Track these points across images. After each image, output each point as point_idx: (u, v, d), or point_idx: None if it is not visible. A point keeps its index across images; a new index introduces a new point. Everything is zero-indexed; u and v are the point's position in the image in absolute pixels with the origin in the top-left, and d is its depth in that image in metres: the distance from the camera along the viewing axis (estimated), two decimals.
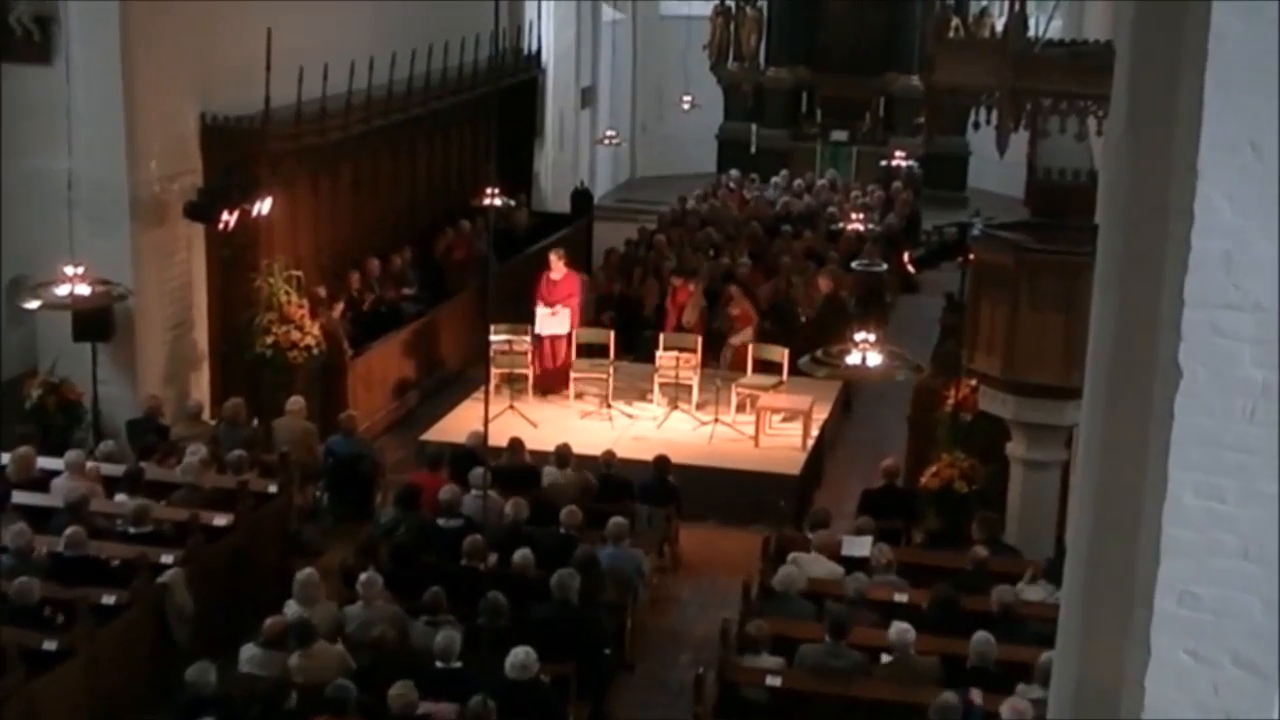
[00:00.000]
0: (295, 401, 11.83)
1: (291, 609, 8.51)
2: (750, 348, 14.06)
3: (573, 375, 13.81)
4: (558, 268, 13.61)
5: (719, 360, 14.10)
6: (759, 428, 12.90)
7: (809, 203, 20.80)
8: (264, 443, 11.51)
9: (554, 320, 13.47)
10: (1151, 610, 3.35)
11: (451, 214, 17.10)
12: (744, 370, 13.98)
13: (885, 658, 8.04)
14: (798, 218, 19.91)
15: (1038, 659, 7.52)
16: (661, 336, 14.13)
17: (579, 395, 13.80)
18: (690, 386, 13.64)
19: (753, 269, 16.37)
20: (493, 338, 13.05)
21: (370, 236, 15.49)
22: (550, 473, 11.05)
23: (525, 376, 13.63)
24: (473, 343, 14.84)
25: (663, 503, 11.04)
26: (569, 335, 13.63)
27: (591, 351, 14.60)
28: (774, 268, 16.83)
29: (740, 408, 13.45)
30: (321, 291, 13.67)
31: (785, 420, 13.14)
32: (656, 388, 13.78)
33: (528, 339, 13.47)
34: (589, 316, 15.34)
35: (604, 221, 20.77)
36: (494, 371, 13.44)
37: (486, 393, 8.28)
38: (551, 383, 13.65)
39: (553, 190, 22.46)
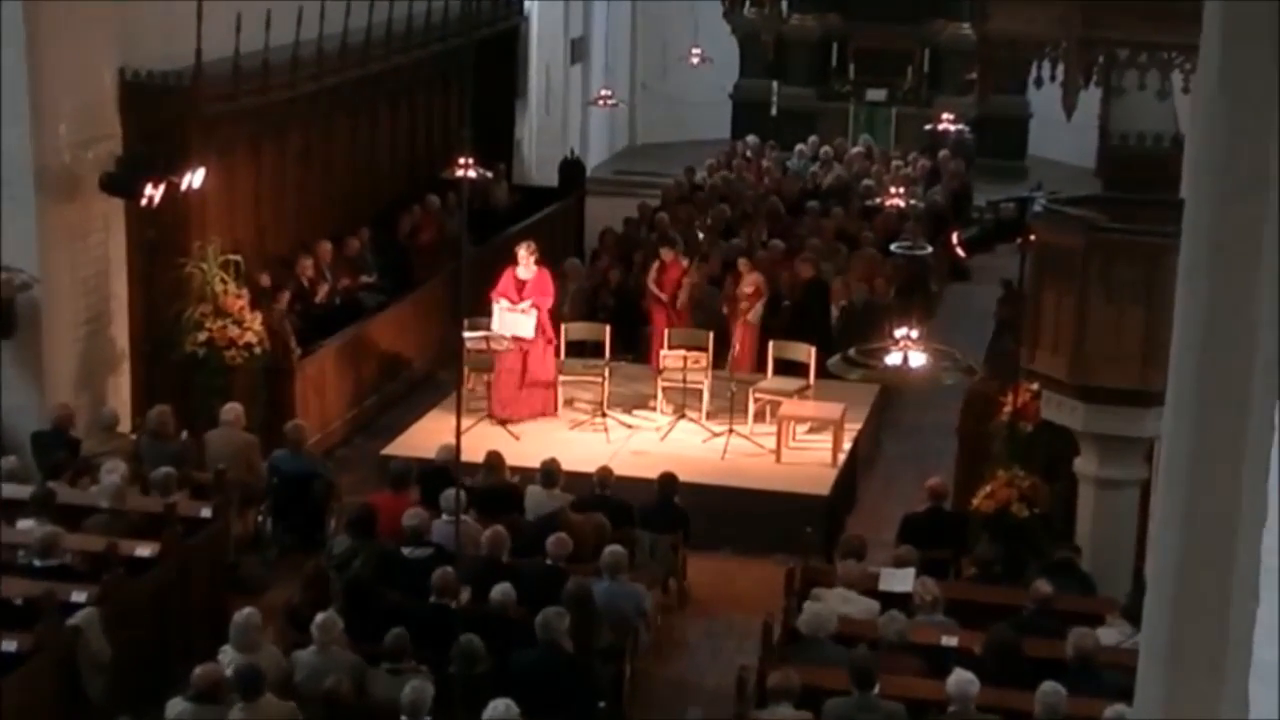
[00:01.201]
0: (232, 409, 11.87)
1: (228, 656, 8.49)
2: (771, 347, 14.13)
3: (561, 379, 13.83)
4: (527, 264, 13.43)
5: (728, 360, 14.15)
6: (781, 440, 12.94)
7: (840, 174, 20.85)
8: (195, 459, 11.52)
9: (517, 319, 13.20)
10: (1249, 657, 3.33)
11: (418, 189, 17.14)
12: (750, 365, 14.08)
13: (950, 708, 8.06)
14: (827, 192, 19.99)
15: (1110, 713, 7.58)
16: (667, 332, 14.16)
17: (569, 402, 13.84)
18: (700, 391, 13.67)
19: (783, 252, 16.47)
20: (467, 335, 12.96)
21: (323, 215, 15.52)
22: (534, 493, 11.09)
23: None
24: (443, 340, 14.86)
25: (668, 529, 11.08)
26: (549, 348, 13.55)
27: (583, 350, 14.57)
28: (798, 251, 16.82)
29: (759, 416, 13.53)
30: (265, 280, 13.69)
31: (812, 431, 13.20)
32: (660, 392, 13.86)
33: (505, 335, 13.45)
34: (579, 312, 15.39)
35: (598, 197, 20.81)
36: (468, 374, 13.47)
37: (459, 399, 8.19)
38: (515, 406, 13.33)
39: (537, 160, 22.51)
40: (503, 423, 13.18)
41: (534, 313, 13.24)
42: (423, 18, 16.58)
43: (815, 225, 17.96)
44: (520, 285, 13.39)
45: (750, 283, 14.75)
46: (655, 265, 14.94)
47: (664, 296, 14.61)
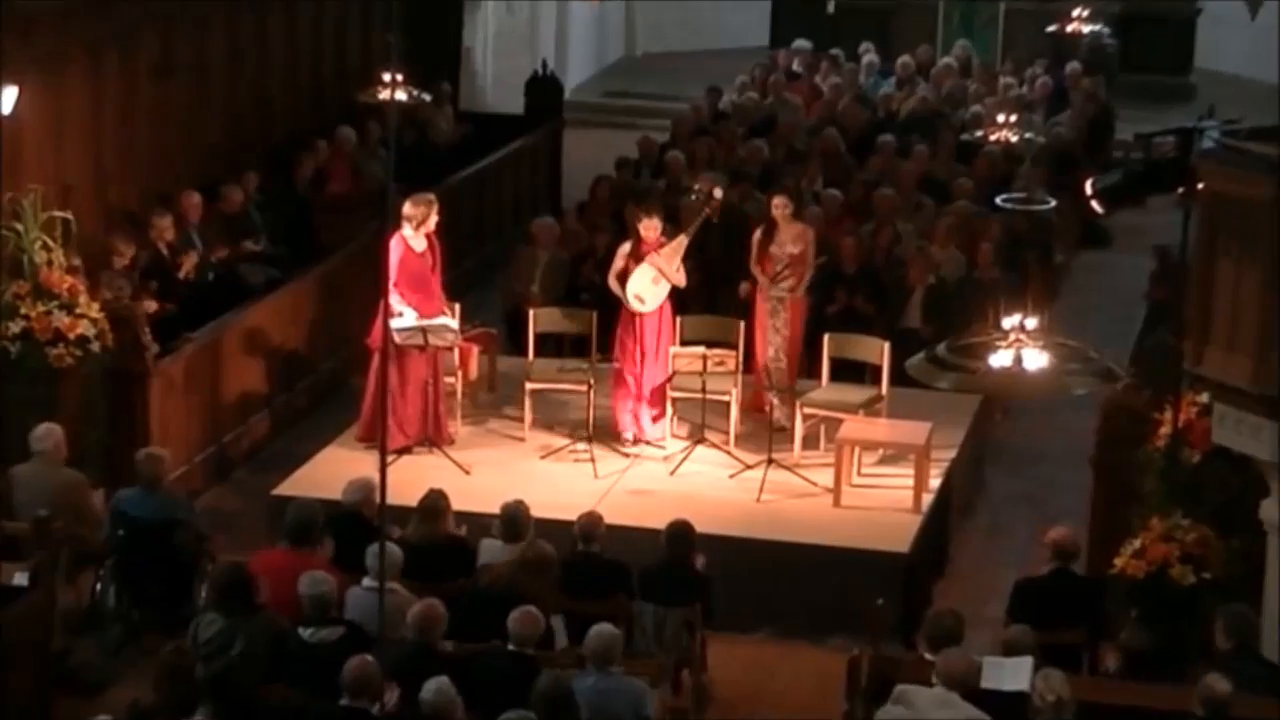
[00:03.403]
0: (48, 434, 11.81)
1: None
2: (826, 342, 14.02)
3: (529, 387, 13.89)
4: (416, 221, 13.39)
5: (762, 365, 13.93)
6: (841, 475, 12.90)
7: (925, 97, 20.92)
8: (2, 503, 11.48)
9: (409, 310, 13.27)
10: None
11: (325, 119, 17.17)
12: (796, 367, 13.91)
13: None
14: (906, 122, 19.97)
15: None
16: (678, 321, 14.04)
17: (540, 421, 13.90)
18: (726, 404, 13.64)
19: (842, 205, 16.49)
20: (396, 325, 13.01)
21: (189, 155, 15.46)
22: (491, 548, 11.13)
23: (453, 388, 13.81)
24: (361, 332, 14.52)
25: (681, 600, 11.02)
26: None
27: (559, 346, 14.50)
28: (864, 206, 16.77)
29: (810, 441, 13.55)
30: (110, 247, 13.65)
31: (885, 462, 13.20)
32: (669, 406, 13.83)
33: (451, 324, 13.44)
34: (554, 293, 15.22)
35: (581, 129, 20.88)
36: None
37: (383, 415, 8.12)
38: (415, 426, 13.41)
39: (494, 78, 22.72)
40: (401, 451, 13.19)
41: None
42: None
43: (889, 169, 17.92)
44: (416, 261, 13.41)
45: (794, 236, 14.03)
46: (626, 247, 13.86)
47: (641, 301, 13.68)
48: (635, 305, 13.57)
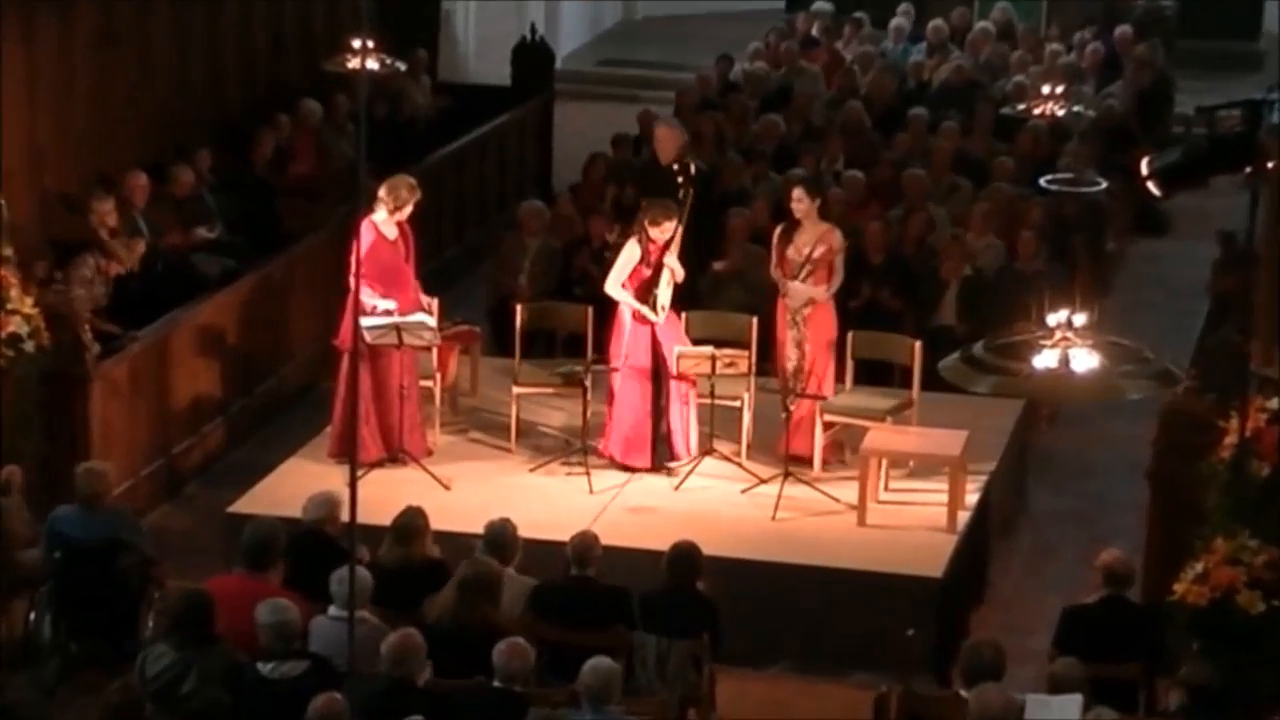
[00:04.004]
0: None
1: None
2: (851, 341, 13.96)
3: (516, 391, 13.93)
4: (393, 207, 13.39)
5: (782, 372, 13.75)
6: (867, 490, 12.94)
7: (961, 65, 20.90)
8: None
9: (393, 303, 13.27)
10: None
11: (288, 91, 17.22)
12: (823, 374, 13.61)
13: None
14: (940, 94, 20.04)
15: None
16: (684, 318, 13.99)
17: (528, 430, 13.94)
18: (739, 411, 13.67)
19: (866, 187, 16.48)
20: (366, 322, 12.93)
21: (134, 132, 15.50)
22: None
23: (431, 393, 13.88)
24: (328, 330, 14.52)
25: (686, 630, 11.03)
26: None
27: (550, 346, 14.66)
28: (892, 188, 16.82)
29: (831, 451, 13.58)
30: (44, 239, 13.85)
31: (916, 475, 13.29)
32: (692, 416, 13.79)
33: (430, 321, 13.43)
34: (543, 284, 15.32)
35: (574, 102, 20.98)
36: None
37: (353, 425, 8.09)
38: (389, 435, 13.43)
39: (476, 45, 22.84)
40: (372, 465, 13.15)
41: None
42: None
43: (920, 146, 17.99)
44: (387, 250, 13.38)
45: (815, 237, 13.71)
46: (635, 252, 13.61)
47: (664, 310, 13.61)
48: (658, 316, 13.50)
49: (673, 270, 13.51)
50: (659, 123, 15.87)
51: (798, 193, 13.85)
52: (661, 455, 13.50)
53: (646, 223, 13.49)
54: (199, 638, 10.08)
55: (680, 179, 13.89)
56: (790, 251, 13.68)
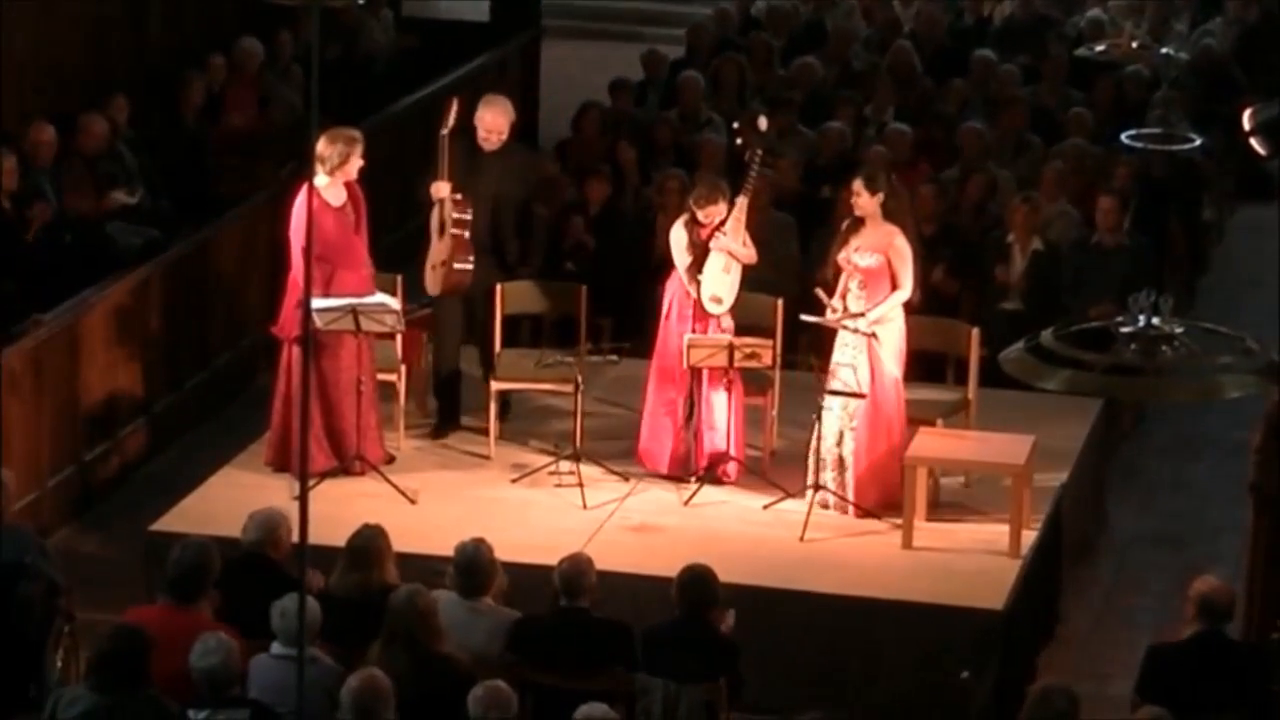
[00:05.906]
0: None
1: None
2: (902, 327, 13.38)
3: (495, 387, 13.90)
4: (334, 165, 13.24)
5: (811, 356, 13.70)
6: (914, 506, 12.77)
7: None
8: None
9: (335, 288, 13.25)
10: None
11: (222, 28, 17.35)
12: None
13: None
14: (1002, 34, 20.14)
15: None
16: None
17: (510, 432, 14.05)
18: (762, 408, 13.74)
19: (914, 144, 16.48)
20: (318, 304, 12.91)
21: (38, 80, 15.64)
22: (449, 607, 11.02)
23: (393, 388, 13.92)
24: (268, 315, 14.43)
25: (700, 672, 10.97)
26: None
27: (536, 333, 14.96)
28: (947, 145, 16.98)
29: None
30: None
31: (972, 487, 13.27)
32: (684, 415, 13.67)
33: (392, 303, 13.39)
34: (535, 258, 15.32)
35: (565, 41, 21.59)
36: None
37: (305, 427, 7.68)
38: (342, 439, 13.46)
39: None
40: (325, 474, 13.28)
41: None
42: None
43: (980, 95, 18.20)
44: (335, 221, 13.28)
45: (873, 242, 13.34)
46: (682, 236, 13.58)
47: (719, 303, 13.52)
48: (713, 308, 13.46)
49: (732, 252, 13.36)
50: (484, 103, 15.05)
51: (856, 185, 13.65)
52: (689, 465, 13.52)
53: (692, 203, 13.67)
54: (126, 680, 9.98)
55: (741, 142, 14.00)
56: (842, 256, 13.45)
